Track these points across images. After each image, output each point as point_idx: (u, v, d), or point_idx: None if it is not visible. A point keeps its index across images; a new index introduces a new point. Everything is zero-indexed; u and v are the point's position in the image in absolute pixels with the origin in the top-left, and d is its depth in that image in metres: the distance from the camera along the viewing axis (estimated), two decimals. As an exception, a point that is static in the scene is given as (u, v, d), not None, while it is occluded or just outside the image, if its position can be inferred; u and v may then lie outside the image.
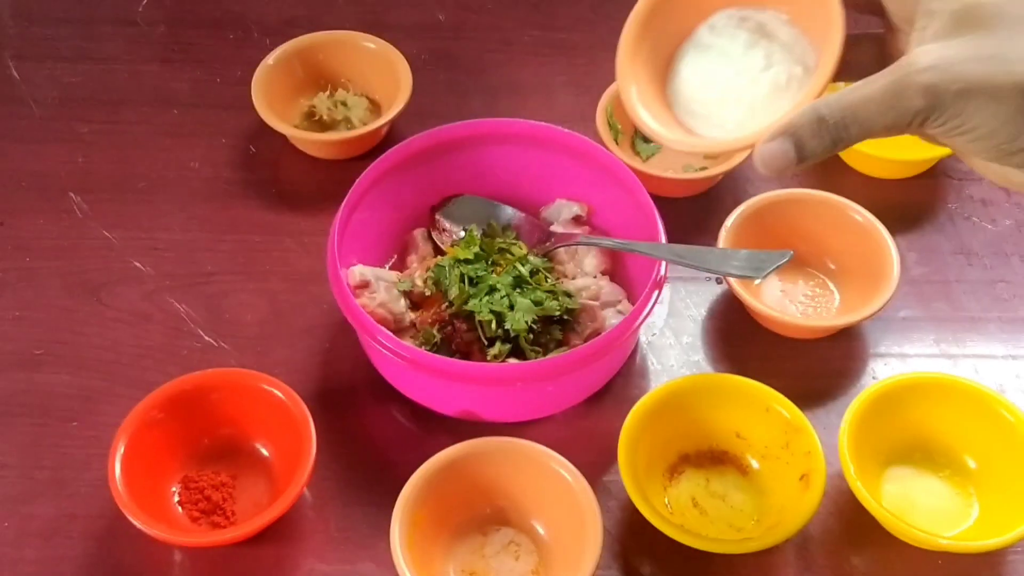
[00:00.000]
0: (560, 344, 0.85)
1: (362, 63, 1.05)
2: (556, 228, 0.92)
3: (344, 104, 1.03)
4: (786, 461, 0.79)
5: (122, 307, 0.92)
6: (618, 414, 0.79)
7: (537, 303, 0.83)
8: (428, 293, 0.86)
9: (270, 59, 1.03)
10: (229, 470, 0.81)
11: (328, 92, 1.04)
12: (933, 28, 0.47)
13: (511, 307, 0.83)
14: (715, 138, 0.60)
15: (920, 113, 0.48)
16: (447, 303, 0.85)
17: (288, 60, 1.04)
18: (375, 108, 1.04)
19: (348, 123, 1.02)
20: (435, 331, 0.84)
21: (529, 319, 0.82)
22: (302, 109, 1.03)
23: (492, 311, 0.83)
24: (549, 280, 0.86)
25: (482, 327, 0.83)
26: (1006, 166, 0.46)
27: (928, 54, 0.47)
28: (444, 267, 0.86)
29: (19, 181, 1.01)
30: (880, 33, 0.54)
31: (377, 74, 1.04)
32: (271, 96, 1.01)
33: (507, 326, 0.82)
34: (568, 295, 0.86)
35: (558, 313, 0.84)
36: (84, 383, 0.87)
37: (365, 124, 1.01)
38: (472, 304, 0.83)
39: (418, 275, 0.88)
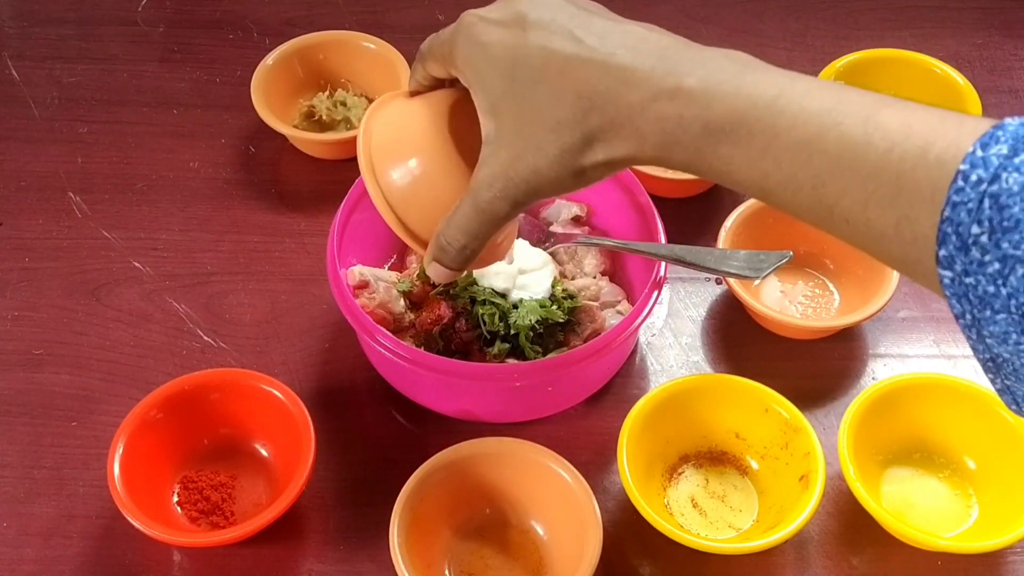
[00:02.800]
0: (560, 344, 0.85)
1: (362, 63, 1.05)
2: (556, 228, 0.92)
3: (344, 104, 1.03)
4: (785, 462, 0.79)
5: (122, 307, 0.92)
6: (618, 414, 0.79)
7: (542, 305, 0.83)
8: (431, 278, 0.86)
9: (270, 59, 1.03)
10: (228, 470, 0.81)
11: (328, 92, 1.04)
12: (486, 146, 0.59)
13: (515, 305, 0.83)
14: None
15: (510, 210, 0.60)
16: (448, 295, 0.84)
17: (288, 60, 1.04)
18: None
19: (348, 123, 1.02)
20: (436, 335, 0.83)
21: (533, 319, 0.82)
22: (301, 109, 1.03)
23: (494, 304, 0.83)
24: (560, 285, 0.86)
25: (483, 321, 0.83)
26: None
27: (488, 170, 0.59)
28: None
29: (19, 181, 1.01)
30: None
31: (377, 74, 1.04)
32: (271, 96, 1.01)
33: (511, 320, 0.82)
34: (569, 295, 0.86)
35: (562, 320, 0.84)
36: (84, 383, 0.87)
37: None
38: (475, 290, 0.83)
39: (417, 275, 0.88)
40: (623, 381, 0.87)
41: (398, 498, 0.74)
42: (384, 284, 0.86)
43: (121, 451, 0.76)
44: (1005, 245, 0.45)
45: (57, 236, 0.97)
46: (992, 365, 0.50)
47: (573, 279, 0.89)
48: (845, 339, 0.90)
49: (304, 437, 0.77)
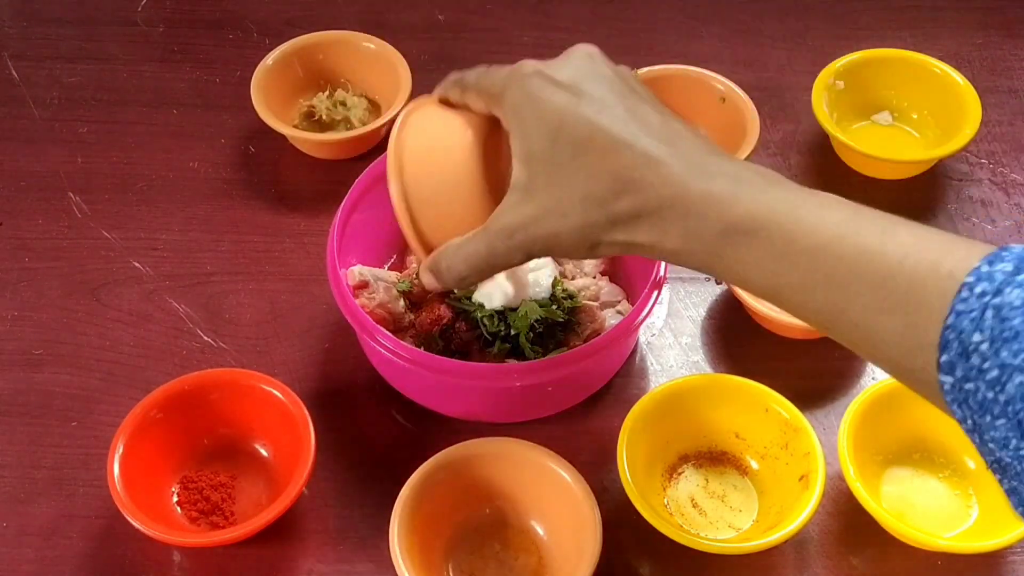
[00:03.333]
0: (560, 344, 0.84)
1: (362, 63, 1.05)
2: (556, 228, 0.91)
3: (343, 104, 1.03)
4: (785, 462, 0.79)
5: (122, 307, 0.92)
6: (618, 414, 0.79)
7: (542, 305, 0.83)
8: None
9: (269, 59, 1.03)
10: (228, 470, 0.81)
11: (327, 92, 1.04)
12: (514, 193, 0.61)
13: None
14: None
15: (523, 260, 0.63)
16: (447, 296, 0.85)
17: (288, 60, 1.04)
18: (374, 108, 1.04)
19: (347, 123, 1.02)
20: (439, 338, 0.83)
21: (533, 319, 0.82)
22: (301, 109, 1.03)
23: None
24: (560, 285, 0.86)
25: (484, 323, 0.83)
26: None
27: (510, 219, 0.61)
28: None
29: (19, 181, 1.01)
30: None
31: (377, 74, 1.04)
32: (270, 96, 1.01)
33: (511, 320, 0.82)
34: (569, 295, 0.86)
35: (561, 320, 0.84)
36: (84, 383, 0.87)
37: (364, 124, 1.01)
38: (468, 305, 0.83)
39: (417, 275, 0.88)
40: (623, 381, 0.87)
41: (398, 498, 0.74)
42: (384, 284, 0.86)
43: (121, 451, 0.76)
44: (1004, 354, 0.47)
45: (57, 236, 0.97)
46: (998, 467, 0.51)
47: (573, 279, 0.89)
48: (845, 339, 0.90)
49: (304, 437, 0.77)
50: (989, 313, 0.48)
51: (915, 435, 0.81)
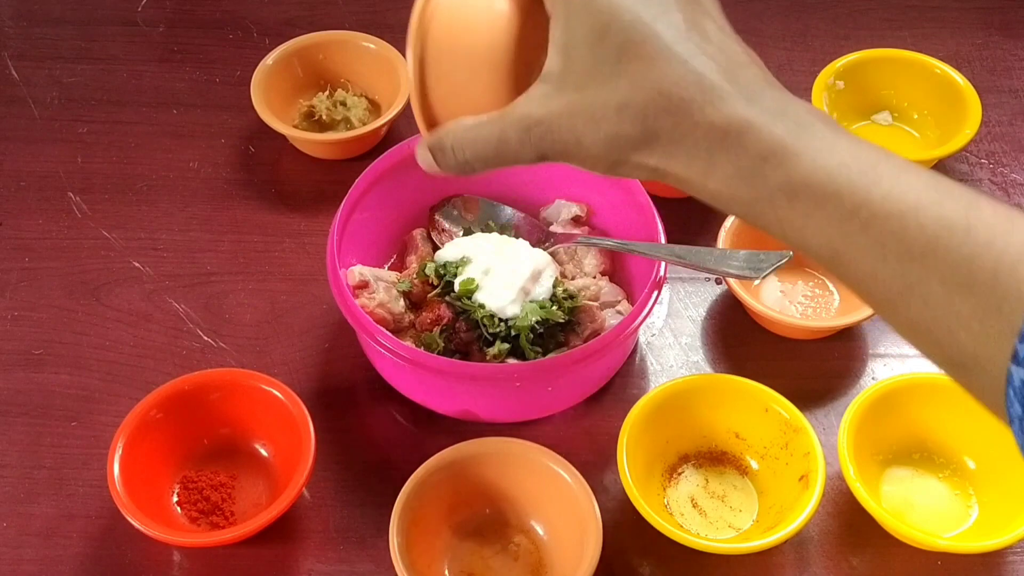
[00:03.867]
0: (560, 344, 0.85)
1: (362, 63, 1.05)
2: (555, 228, 0.92)
3: (343, 104, 1.03)
4: (785, 462, 0.79)
5: (122, 307, 0.92)
6: (618, 414, 0.79)
7: (542, 306, 0.83)
8: (430, 278, 0.86)
9: (269, 59, 1.03)
10: (228, 470, 0.81)
11: (327, 92, 1.04)
12: (546, 81, 0.55)
13: None
14: None
15: (535, 159, 0.57)
16: (447, 295, 0.85)
17: (288, 60, 1.04)
18: (374, 108, 1.04)
19: (347, 123, 1.02)
20: (438, 337, 0.83)
21: (533, 319, 0.82)
22: (301, 109, 1.03)
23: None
24: (560, 286, 0.86)
25: (484, 323, 0.83)
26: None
27: (533, 109, 0.55)
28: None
29: (19, 181, 1.01)
30: None
31: (377, 74, 1.04)
32: (270, 96, 1.01)
33: (511, 320, 0.82)
34: (569, 296, 0.86)
35: (562, 320, 0.84)
36: (84, 383, 0.87)
37: (364, 124, 1.01)
38: (469, 305, 0.83)
39: (417, 275, 0.88)
40: (623, 381, 0.87)
41: (398, 498, 0.74)
42: (384, 284, 0.86)
43: (121, 451, 0.76)
44: None
45: (57, 236, 0.97)
46: None
47: (573, 279, 0.89)
48: (845, 339, 0.90)
49: (304, 437, 0.77)
50: None
51: (915, 435, 0.81)
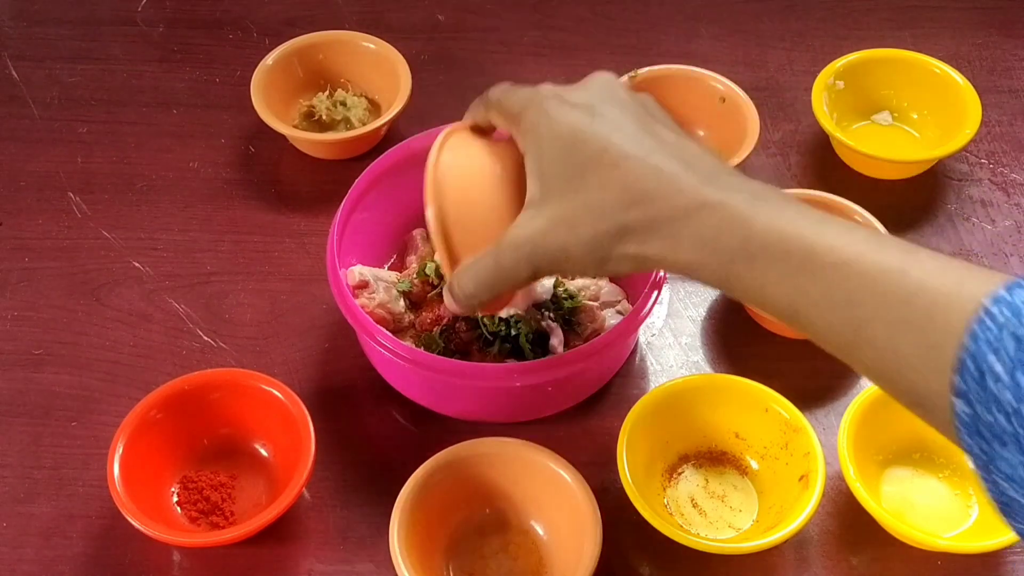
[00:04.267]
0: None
1: (362, 63, 1.05)
2: (556, 228, 0.92)
3: (343, 104, 1.03)
4: (785, 462, 0.79)
5: (122, 307, 0.92)
6: (618, 414, 0.79)
7: (544, 308, 0.84)
8: (430, 278, 0.86)
9: (269, 59, 1.03)
10: (228, 470, 0.81)
11: (327, 92, 1.04)
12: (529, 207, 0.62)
13: None
14: None
15: (530, 276, 0.63)
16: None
17: (288, 60, 1.04)
18: (374, 108, 1.04)
19: (347, 123, 1.02)
20: (439, 338, 0.83)
21: (537, 321, 0.82)
22: (301, 109, 1.03)
23: None
24: (562, 285, 0.86)
25: (484, 323, 0.83)
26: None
27: (521, 231, 0.62)
28: None
29: (19, 181, 1.01)
30: None
31: (377, 74, 1.04)
32: (270, 96, 1.01)
33: (511, 321, 0.82)
34: (569, 295, 0.86)
35: (561, 320, 0.84)
36: (84, 383, 0.87)
37: (364, 124, 1.01)
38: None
39: (417, 274, 0.88)
40: (623, 381, 0.87)
41: (398, 498, 0.74)
42: (384, 284, 0.86)
43: (121, 451, 0.76)
44: (1020, 377, 0.46)
45: (57, 236, 0.97)
46: (1007, 509, 0.50)
47: (573, 279, 0.89)
48: (845, 339, 0.90)
49: (304, 437, 0.77)
50: (1009, 341, 0.47)
51: (915, 435, 0.81)
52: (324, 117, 1.02)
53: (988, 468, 0.50)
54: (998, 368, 0.47)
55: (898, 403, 0.75)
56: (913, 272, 0.51)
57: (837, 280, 0.53)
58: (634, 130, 0.59)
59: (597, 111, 0.60)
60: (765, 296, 0.56)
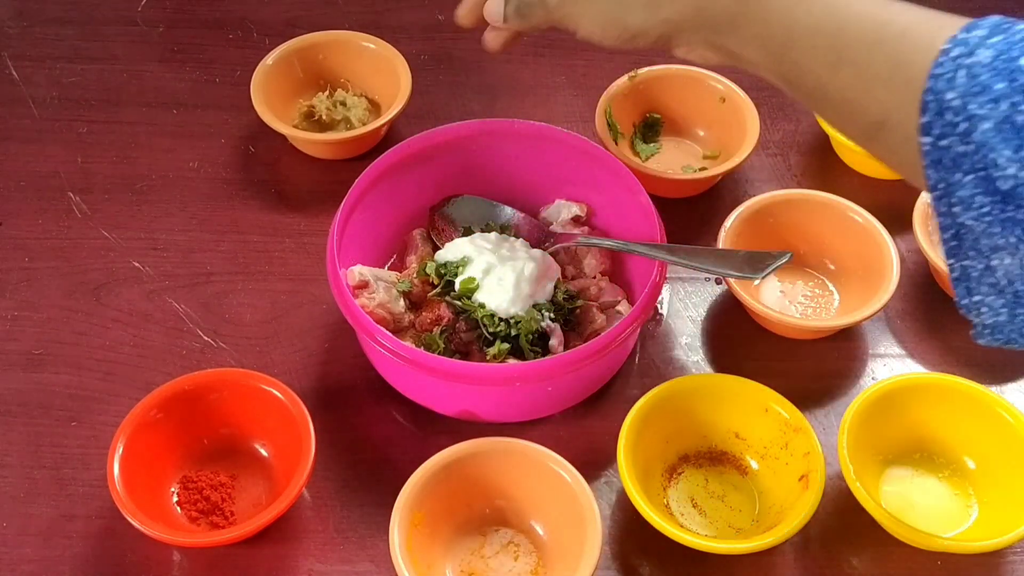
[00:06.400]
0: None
1: (362, 63, 1.05)
2: (556, 228, 0.92)
3: (343, 104, 1.03)
4: (785, 461, 0.79)
5: (122, 307, 0.92)
6: (618, 414, 0.79)
7: (544, 309, 0.84)
8: (430, 278, 0.86)
9: (269, 59, 1.03)
10: (228, 470, 0.81)
11: (327, 92, 1.04)
12: None
13: None
14: None
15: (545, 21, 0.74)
16: (447, 295, 0.85)
17: (288, 60, 1.04)
18: (374, 108, 1.04)
19: (347, 123, 1.02)
20: (439, 338, 0.83)
21: (535, 326, 0.82)
22: (301, 109, 1.03)
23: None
24: (561, 287, 0.86)
25: (484, 323, 0.83)
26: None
27: None
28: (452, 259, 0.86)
29: (19, 181, 1.01)
30: None
31: (377, 74, 1.04)
32: (270, 96, 1.01)
33: (511, 322, 0.82)
34: (569, 296, 0.86)
35: (562, 321, 0.84)
36: (84, 383, 0.87)
37: (364, 124, 1.01)
38: (470, 305, 0.84)
39: (417, 275, 0.88)
40: (623, 381, 0.87)
41: (398, 498, 0.74)
42: (384, 284, 0.86)
43: (121, 451, 0.76)
44: (972, 106, 0.53)
45: (57, 236, 0.97)
46: (956, 245, 0.57)
47: (573, 279, 0.89)
48: (845, 339, 0.90)
49: (304, 437, 0.77)
50: (961, 72, 0.54)
51: (915, 435, 0.81)
52: (324, 117, 1.02)
53: (946, 198, 0.56)
54: (956, 102, 0.53)
55: (898, 404, 0.76)
56: (892, 3, 0.60)
57: (827, 8, 0.61)
58: None
59: None
60: (759, 40, 0.64)
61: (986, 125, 0.53)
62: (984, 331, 0.60)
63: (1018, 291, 0.57)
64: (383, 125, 1.00)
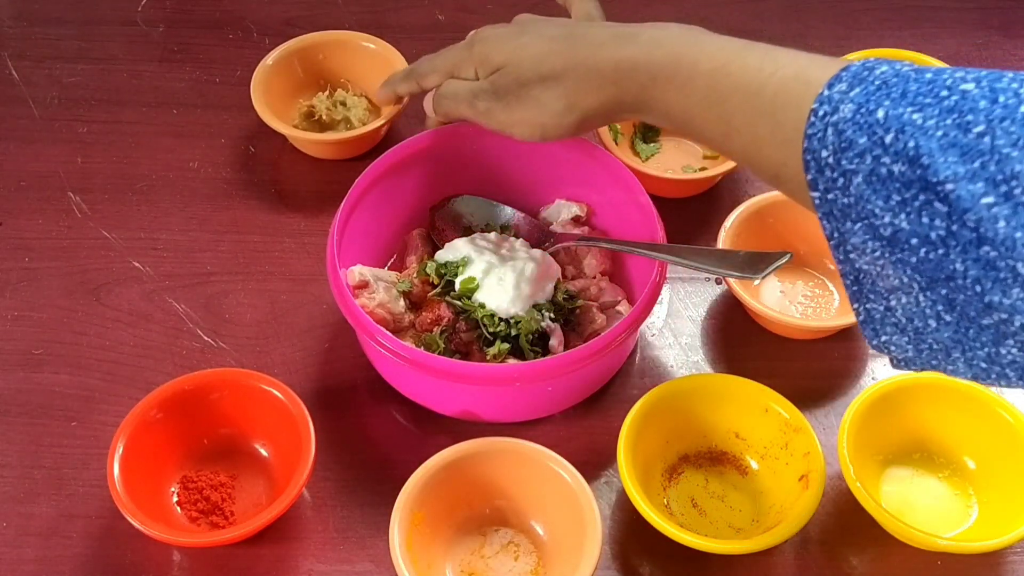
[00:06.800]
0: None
1: (362, 63, 1.05)
2: (556, 228, 0.92)
3: (343, 104, 1.03)
4: (785, 462, 0.79)
5: (122, 307, 0.92)
6: (618, 414, 0.79)
7: (544, 309, 0.84)
8: (431, 277, 0.86)
9: (269, 59, 1.03)
10: (228, 470, 0.81)
11: (327, 92, 1.04)
12: None
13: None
14: None
15: (470, 120, 0.82)
16: (447, 295, 0.85)
17: (288, 60, 1.04)
18: (374, 108, 1.04)
19: (347, 123, 1.02)
20: (439, 338, 0.83)
21: (535, 327, 0.82)
22: (301, 109, 1.03)
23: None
24: (562, 287, 0.86)
25: (484, 323, 0.83)
26: None
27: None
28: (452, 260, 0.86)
29: (19, 181, 1.01)
30: None
31: (377, 75, 1.04)
32: (271, 96, 1.01)
33: (511, 322, 0.82)
34: (570, 296, 0.86)
35: (562, 321, 0.84)
36: (84, 383, 0.87)
37: (364, 124, 1.01)
38: (470, 304, 0.83)
39: (417, 275, 0.88)
40: (623, 381, 0.87)
41: (398, 498, 0.74)
42: (384, 284, 0.86)
43: (121, 451, 0.76)
44: (844, 162, 0.56)
45: (57, 236, 0.97)
46: (857, 289, 0.61)
47: (573, 279, 0.89)
48: (845, 339, 0.90)
49: (304, 437, 0.77)
50: (830, 131, 0.57)
51: (915, 435, 0.81)
52: (324, 117, 1.02)
53: (843, 247, 0.59)
54: (830, 159, 0.56)
55: (898, 404, 0.77)
56: (767, 67, 0.63)
57: (711, 86, 0.66)
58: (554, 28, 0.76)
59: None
60: (671, 114, 0.69)
61: (858, 179, 0.56)
62: (900, 364, 0.63)
63: (917, 327, 0.59)
64: (383, 125, 1.00)
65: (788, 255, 0.80)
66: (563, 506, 0.75)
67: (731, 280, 0.87)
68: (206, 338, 0.90)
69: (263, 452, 0.82)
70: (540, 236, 0.91)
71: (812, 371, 0.88)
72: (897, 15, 1.16)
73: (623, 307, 0.87)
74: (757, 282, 0.90)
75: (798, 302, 0.91)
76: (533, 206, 0.94)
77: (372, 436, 0.85)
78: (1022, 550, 0.78)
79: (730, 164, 0.96)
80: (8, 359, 0.89)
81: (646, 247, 0.84)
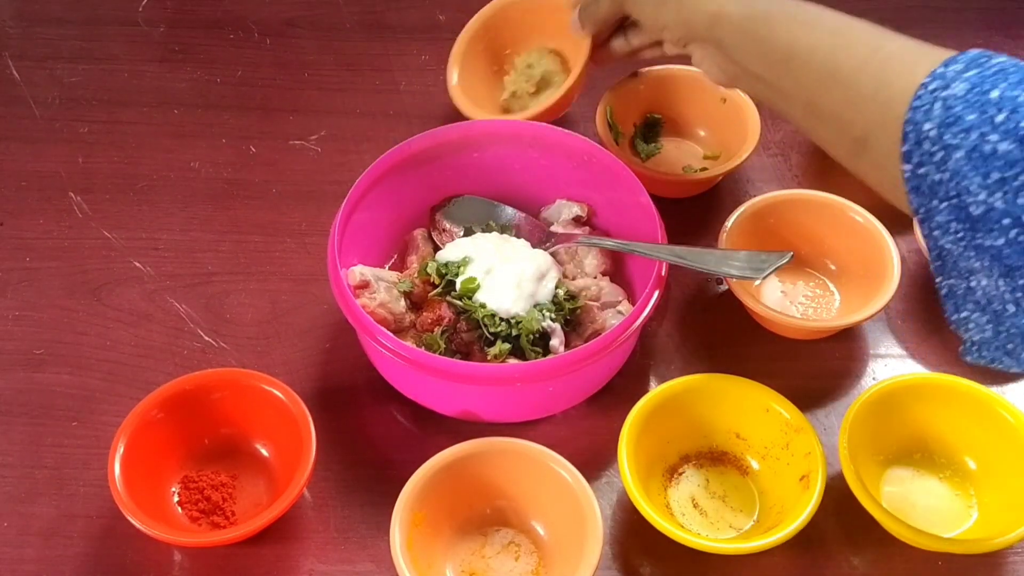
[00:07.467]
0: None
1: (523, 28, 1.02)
2: (556, 228, 0.92)
3: (529, 67, 0.99)
4: (786, 462, 0.79)
5: (122, 307, 0.92)
6: (618, 414, 0.79)
7: (545, 309, 0.84)
8: (431, 277, 0.86)
9: (453, 77, 1.00)
10: (229, 470, 0.81)
11: (509, 73, 1.01)
12: None
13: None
14: None
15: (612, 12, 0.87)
16: (448, 295, 0.85)
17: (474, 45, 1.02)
18: (552, 54, 1.00)
19: (545, 79, 0.98)
20: (440, 338, 0.83)
21: (536, 327, 0.83)
22: (502, 103, 1.00)
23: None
24: (562, 287, 0.86)
25: (485, 323, 0.83)
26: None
27: None
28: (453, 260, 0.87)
29: (19, 181, 1.01)
30: None
31: (534, 32, 1.01)
32: (474, 101, 0.99)
33: (512, 322, 0.82)
34: (570, 296, 0.86)
35: (562, 322, 0.84)
36: (84, 383, 0.87)
37: (559, 72, 0.98)
38: (471, 305, 0.84)
39: (418, 275, 0.88)
40: (623, 381, 0.87)
41: (398, 498, 0.74)
42: (385, 284, 0.86)
43: (122, 451, 0.76)
44: (947, 136, 0.57)
45: (58, 236, 0.97)
46: (940, 264, 0.62)
47: (574, 279, 0.89)
48: (845, 339, 0.90)
49: (304, 437, 0.77)
50: (938, 104, 0.58)
51: (915, 435, 0.81)
52: (528, 90, 0.99)
53: (927, 222, 0.60)
54: (932, 132, 0.57)
55: (898, 404, 0.77)
56: (885, 34, 0.67)
57: (836, 27, 0.69)
58: None
59: None
60: (783, 40, 0.70)
61: (958, 154, 0.57)
62: (972, 348, 0.64)
63: (996, 310, 0.60)
64: (573, 85, 0.95)
65: (789, 255, 0.80)
66: (564, 506, 0.75)
67: (732, 280, 0.87)
68: (207, 338, 0.90)
69: (264, 452, 0.82)
70: (541, 236, 0.91)
71: (813, 371, 0.88)
72: (897, 15, 1.14)
73: (624, 307, 0.87)
74: (758, 282, 0.90)
75: (799, 302, 0.91)
76: (534, 206, 0.94)
77: (373, 436, 0.85)
78: (1022, 550, 0.78)
79: (731, 164, 0.96)
80: (9, 359, 0.89)
81: (646, 247, 0.84)
